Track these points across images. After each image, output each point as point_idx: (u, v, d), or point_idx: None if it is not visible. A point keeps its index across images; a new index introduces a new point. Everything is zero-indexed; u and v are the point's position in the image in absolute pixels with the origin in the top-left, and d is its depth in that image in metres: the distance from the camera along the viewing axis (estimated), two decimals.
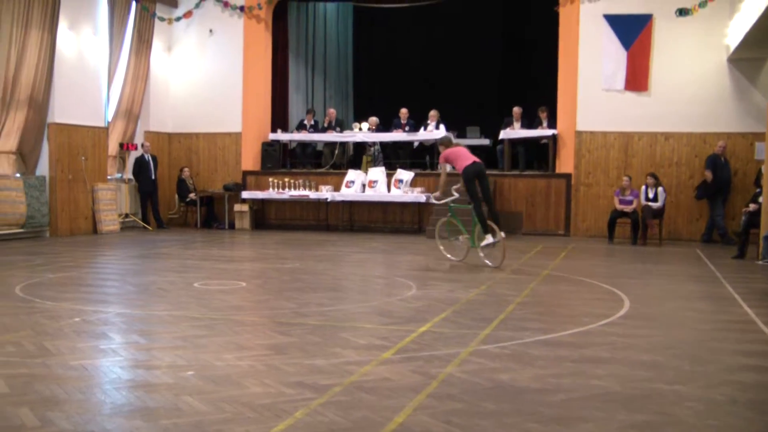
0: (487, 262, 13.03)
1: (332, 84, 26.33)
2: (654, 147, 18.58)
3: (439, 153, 14.36)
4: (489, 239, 12.84)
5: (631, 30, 18.54)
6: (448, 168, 13.44)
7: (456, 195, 13.60)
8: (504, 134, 19.52)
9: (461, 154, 13.35)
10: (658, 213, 17.23)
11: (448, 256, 13.75)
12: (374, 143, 20.82)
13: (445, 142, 13.82)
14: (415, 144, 20.81)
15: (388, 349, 6.98)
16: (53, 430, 4.81)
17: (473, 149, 22.02)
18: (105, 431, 4.82)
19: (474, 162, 13.17)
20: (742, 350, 7.29)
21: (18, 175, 16.64)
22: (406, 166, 19.84)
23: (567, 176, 18.99)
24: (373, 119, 21.11)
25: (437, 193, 13.56)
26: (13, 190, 16.18)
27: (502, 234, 12.81)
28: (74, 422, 4.96)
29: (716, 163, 17.69)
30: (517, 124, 19.59)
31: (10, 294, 9.73)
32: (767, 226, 14.13)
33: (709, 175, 17.61)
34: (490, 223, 12.94)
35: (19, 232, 16.57)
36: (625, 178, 17.60)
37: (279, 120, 22.35)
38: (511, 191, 19.23)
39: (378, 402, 5.42)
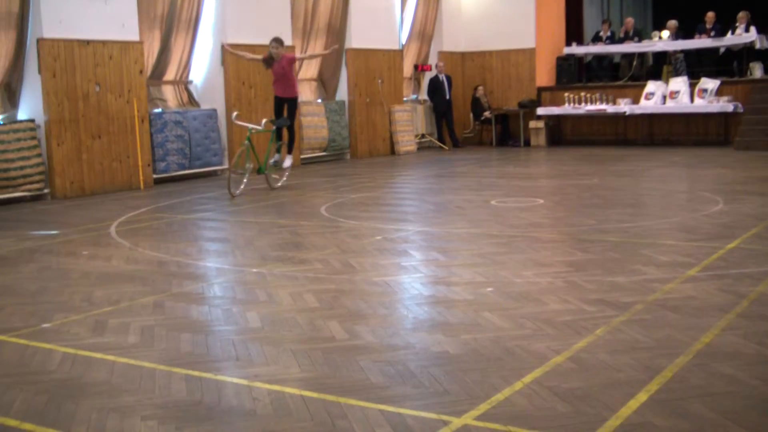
0: (274, 182, 12.91)
1: None
2: None
3: (271, 58, 12.36)
4: (290, 160, 13.09)
5: None
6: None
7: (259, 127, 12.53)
8: None
9: None
10: None
11: (230, 190, 11.97)
12: (677, 52, 19.68)
13: (283, 44, 12.56)
14: (722, 50, 19.43)
15: (693, 267, 6.62)
16: (360, 342, 4.99)
17: None
18: (408, 345, 4.93)
19: None
20: None
21: (319, 100, 17.42)
22: (712, 74, 18.62)
23: None
24: (672, 23, 19.90)
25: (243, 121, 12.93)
26: (315, 116, 16.97)
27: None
28: (379, 335, 5.13)
29: None
30: None
31: (316, 214, 10.24)
32: None
33: None
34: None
35: (322, 155, 17.42)
36: None
37: (573, 33, 21.74)
38: None
39: (683, 321, 5.16)
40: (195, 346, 5.07)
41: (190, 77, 15.01)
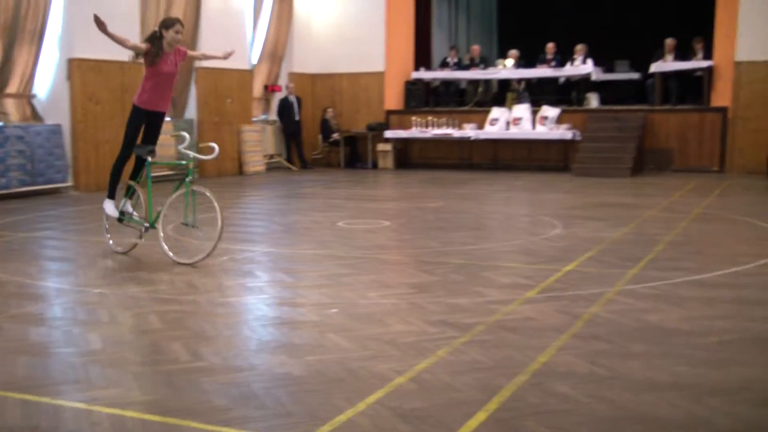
0: (119, 249, 8.77)
1: (476, 20, 25.94)
2: None
3: (161, 49, 8.28)
4: (111, 206, 8.73)
5: None
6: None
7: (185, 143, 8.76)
8: (655, 67, 18.77)
9: None
10: None
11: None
12: (521, 81, 20.41)
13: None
14: (561, 80, 20.29)
15: (532, 289, 6.87)
16: (203, 364, 4.94)
17: (622, 84, 21.51)
18: (252, 366, 4.92)
19: None
20: None
21: (168, 118, 17.11)
22: (552, 103, 19.39)
23: (723, 110, 18.09)
24: (514, 52, 20.65)
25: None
26: (163, 134, 16.56)
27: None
28: (223, 357, 5.09)
29: None
30: (669, 57, 18.80)
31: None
32: None
33: None
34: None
35: (170, 174, 17.10)
36: None
37: (422, 58, 22.18)
38: (662, 126, 18.50)
39: (521, 341, 5.34)
40: (32, 369, 4.90)
41: (34, 91, 14.50)
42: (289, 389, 4.49)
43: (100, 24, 8.04)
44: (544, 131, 18.74)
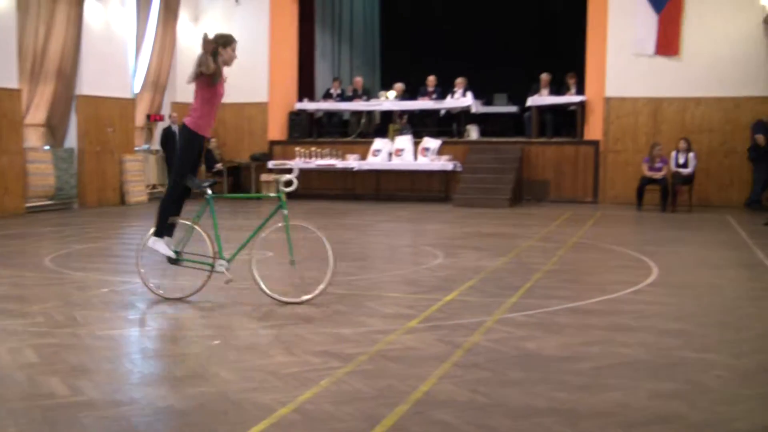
0: (162, 292, 7.91)
1: (359, 52, 26.22)
2: (685, 113, 18.30)
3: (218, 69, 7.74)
4: (162, 244, 8.02)
5: None
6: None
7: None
8: (531, 101, 19.38)
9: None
10: (689, 179, 17.06)
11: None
12: (403, 114, 20.70)
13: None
14: (442, 112, 20.71)
15: (414, 318, 6.96)
16: (82, 398, 4.84)
17: (500, 117, 22.11)
18: (132, 400, 4.85)
19: None
20: None
21: (47, 147, 16.72)
22: (433, 134, 19.73)
23: (595, 143, 18.82)
24: (399, 85, 20.98)
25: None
26: (42, 163, 16.26)
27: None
28: (102, 391, 4.99)
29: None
30: (544, 91, 19.42)
31: (39, 265, 9.79)
32: None
33: (761, 138, 16.91)
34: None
35: (48, 204, 16.68)
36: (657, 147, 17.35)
37: (305, 89, 22.29)
38: (539, 159, 19.09)
39: (403, 371, 5.41)
40: None
41: None
42: (171, 423, 4.44)
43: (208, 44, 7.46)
44: (425, 162, 19.03)
